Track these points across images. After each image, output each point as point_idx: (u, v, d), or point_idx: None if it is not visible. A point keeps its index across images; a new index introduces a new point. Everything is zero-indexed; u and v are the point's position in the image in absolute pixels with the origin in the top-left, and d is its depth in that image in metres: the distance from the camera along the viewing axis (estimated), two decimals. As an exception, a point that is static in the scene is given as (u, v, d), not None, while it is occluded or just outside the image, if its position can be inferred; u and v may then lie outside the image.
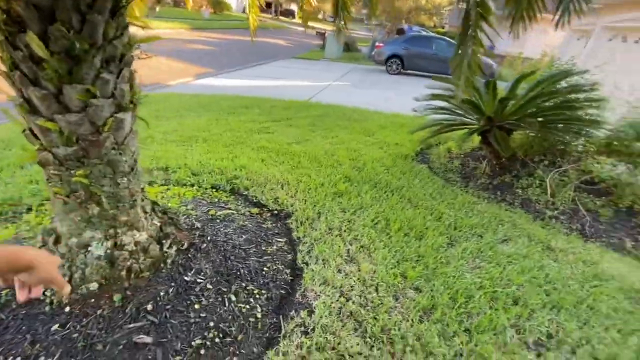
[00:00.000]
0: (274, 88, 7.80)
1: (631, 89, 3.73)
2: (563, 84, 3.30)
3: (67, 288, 0.58)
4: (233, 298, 1.61)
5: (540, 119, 3.20)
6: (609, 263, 2.25)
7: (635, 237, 2.59)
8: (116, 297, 1.45)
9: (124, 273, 1.50)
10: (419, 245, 2.21)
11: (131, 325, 1.37)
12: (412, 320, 1.65)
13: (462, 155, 3.85)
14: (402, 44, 11.88)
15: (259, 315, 1.57)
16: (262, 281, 1.75)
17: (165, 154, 3.17)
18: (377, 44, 12.54)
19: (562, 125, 3.32)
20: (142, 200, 1.63)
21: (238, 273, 1.76)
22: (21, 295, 0.53)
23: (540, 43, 14.12)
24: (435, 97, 3.39)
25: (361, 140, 4.30)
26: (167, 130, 3.95)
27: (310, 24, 3.47)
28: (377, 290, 1.82)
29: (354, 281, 1.86)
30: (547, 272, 2.07)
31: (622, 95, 3.67)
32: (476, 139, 3.73)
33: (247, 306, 1.59)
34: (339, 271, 1.94)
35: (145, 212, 1.65)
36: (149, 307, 1.46)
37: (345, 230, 2.31)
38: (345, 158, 3.55)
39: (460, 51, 2.34)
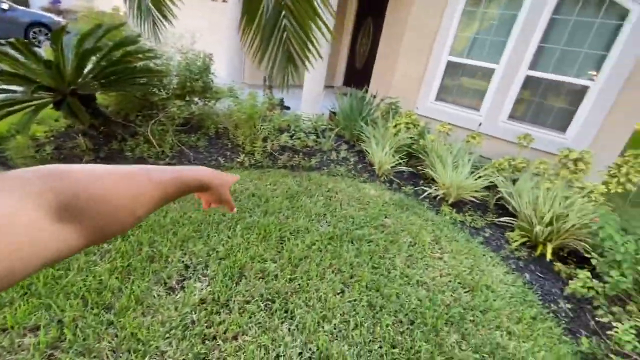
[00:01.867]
0: None
1: (174, 37, 4.38)
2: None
3: (234, 210, 0.68)
4: None
5: (113, 77, 3.10)
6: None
7: (224, 154, 3.41)
8: None
9: None
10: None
11: None
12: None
13: (53, 138, 3.16)
14: None
15: None
16: None
17: None
18: None
19: (145, 79, 3.44)
20: None
21: None
22: (204, 205, 0.66)
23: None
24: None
25: None
26: None
27: None
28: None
29: None
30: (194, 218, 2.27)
31: (177, 45, 4.27)
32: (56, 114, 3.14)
33: None
34: None
35: None
36: None
37: None
38: None
39: None
